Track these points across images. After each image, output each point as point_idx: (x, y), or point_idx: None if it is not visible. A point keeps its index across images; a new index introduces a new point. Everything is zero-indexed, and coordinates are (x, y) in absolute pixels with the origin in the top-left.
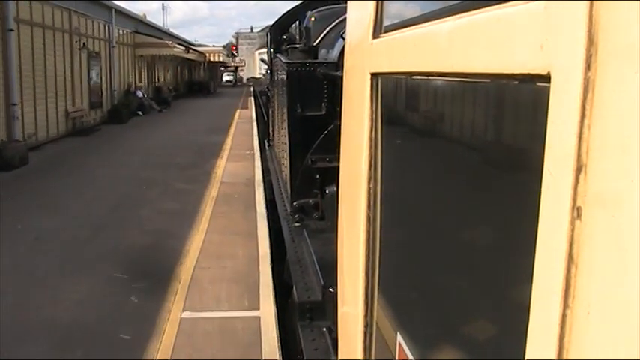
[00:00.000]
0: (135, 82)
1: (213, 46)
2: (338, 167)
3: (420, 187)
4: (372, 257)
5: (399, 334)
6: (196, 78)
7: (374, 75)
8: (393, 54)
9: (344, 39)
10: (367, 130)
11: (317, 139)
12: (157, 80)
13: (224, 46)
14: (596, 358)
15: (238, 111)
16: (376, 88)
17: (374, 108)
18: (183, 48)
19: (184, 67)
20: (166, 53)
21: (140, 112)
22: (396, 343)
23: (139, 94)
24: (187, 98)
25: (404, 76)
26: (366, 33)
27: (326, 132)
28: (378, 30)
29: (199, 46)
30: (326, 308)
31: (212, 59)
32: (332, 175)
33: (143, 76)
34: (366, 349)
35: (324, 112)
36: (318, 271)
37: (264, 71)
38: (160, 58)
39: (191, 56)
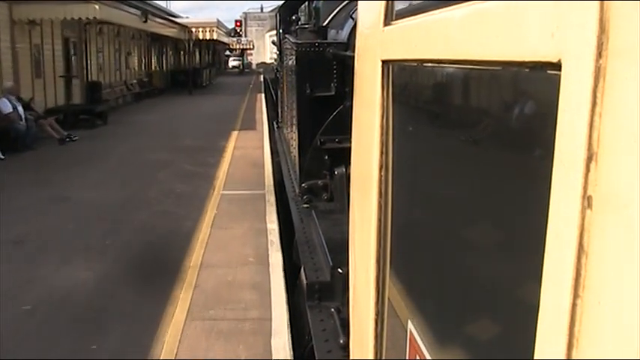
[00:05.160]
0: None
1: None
2: (348, 149)
3: (431, 175)
4: (384, 245)
5: (410, 322)
6: (185, 65)
7: (385, 62)
8: (404, 41)
9: (353, 19)
10: (378, 118)
11: (326, 120)
12: (92, 70)
13: (232, 29)
14: (607, 348)
15: (235, 136)
16: (387, 75)
17: (385, 95)
18: (138, 13)
19: (163, 50)
20: (81, 16)
21: None
22: (407, 331)
23: (6, 106)
24: (160, 98)
25: (415, 64)
26: (377, 20)
27: (335, 113)
28: (390, 17)
29: (176, 16)
30: (334, 289)
31: (202, 37)
32: (341, 156)
33: (45, 63)
34: (378, 336)
35: (333, 93)
36: (327, 252)
37: (275, 56)
38: (101, 31)
39: (163, 31)
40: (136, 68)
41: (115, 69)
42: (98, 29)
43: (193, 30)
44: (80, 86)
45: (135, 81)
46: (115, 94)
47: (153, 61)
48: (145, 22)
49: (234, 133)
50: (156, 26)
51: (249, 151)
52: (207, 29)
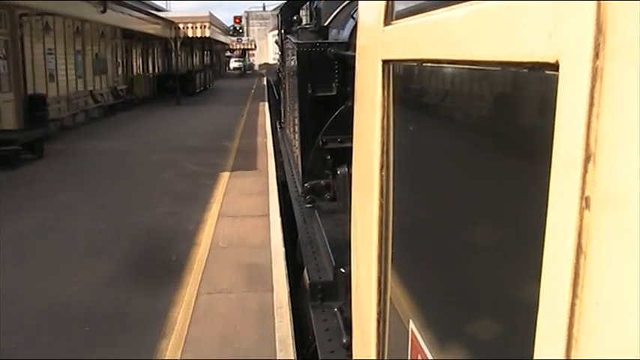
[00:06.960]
0: None
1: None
2: (350, 149)
3: (431, 174)
4: (385, 245)
5: (411, 322)
6: (181, 69)
7: (385, 62)
8: (405, 41)
9: (354, 19)
10: (379, 118)
11: (328, 120)
12: (36, 79)
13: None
14: (606, 348)
15: (223, 185)
16: (388, 75)
17: (386, 95)
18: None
19: (148, 50)
20: None
21: None
22: (408, 331)
23: None
24: (140, 110)
25: (415, 64)
26: (378, 20)
27: (337, 112)
28: (390, 17)
29: (161, 10)
30: (337, 289)
31: (192, 34)
32: (343, 156)
33: None
34: (380, 336)
35: (334, 93)
36: (330, 251)
37: (278, 56)
38: (49, 27)
39: (142, 27)
40: (110, 74)
41: (77, 76)
42: (44, 23)
43: (181, 26)
44: (14, 102)
45: (107, 90)
46: (72, 109)
47: (134, 64)
48: (104, 12)
49: (224, 178)
50: (127, 20)
51: (246, 226)
52: (199, 25)
